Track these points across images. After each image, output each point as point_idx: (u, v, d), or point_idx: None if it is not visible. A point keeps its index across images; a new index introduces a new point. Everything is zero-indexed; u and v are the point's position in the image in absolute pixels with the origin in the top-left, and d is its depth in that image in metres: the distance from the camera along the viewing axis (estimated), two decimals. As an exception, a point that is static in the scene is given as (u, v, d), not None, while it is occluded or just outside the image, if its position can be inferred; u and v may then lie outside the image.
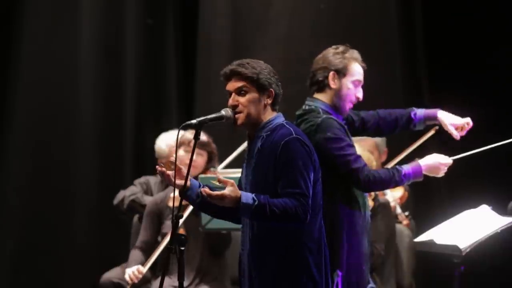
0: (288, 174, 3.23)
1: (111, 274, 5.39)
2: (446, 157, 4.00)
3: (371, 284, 4.07)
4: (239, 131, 3.54)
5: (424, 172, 3.95)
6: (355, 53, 4.03)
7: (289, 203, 3.19)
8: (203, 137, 5.12)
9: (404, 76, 6.65)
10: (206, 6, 6.92)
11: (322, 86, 3.99)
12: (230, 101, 3.33)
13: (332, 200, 3.81)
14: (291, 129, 3.32)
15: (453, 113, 4.17)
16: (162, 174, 3.26)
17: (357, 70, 4.00)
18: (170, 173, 3.26)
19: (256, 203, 3.16)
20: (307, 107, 4.00)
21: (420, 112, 4.17)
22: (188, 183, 3.30)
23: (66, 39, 6.67)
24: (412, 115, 4.16)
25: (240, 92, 3.32)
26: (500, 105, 6.27)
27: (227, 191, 3.13)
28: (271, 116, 3.37)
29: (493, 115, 6.10)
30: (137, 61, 6.86)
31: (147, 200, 5.47)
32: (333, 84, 3.96)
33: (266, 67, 3.36)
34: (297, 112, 4.05)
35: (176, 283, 4.81)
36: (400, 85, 6.61)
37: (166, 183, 3.34)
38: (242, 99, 3.32)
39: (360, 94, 4.02)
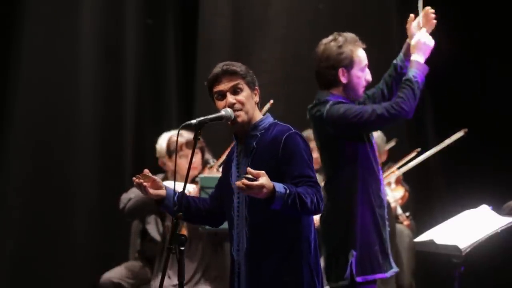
0: (297, 165, 3.22)
1: (111, 274, 5.39)
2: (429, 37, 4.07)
3: (394, 269, 4.04)
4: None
5: (423, 62, 4.03)
6: (352, 38, 4.06)
7: (309, 191, 3.15)
8: (189, 135, 5.01)
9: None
10: (206, 6, 6.93)
11: (333, 83, 4.01)
12: (229, 100, 3.29)
13: (351, 177, 3.91)
14: (288, 125, 3.33)
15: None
16: (139, 185, 3.32)
17: (361, 56, 4.05)
18: (147, 184, 3.32)
19: (287, 191, 3.08)
20: (317, 101, 4.04)
21: (399, 57, 4.20)
22: (163, 192, 3.34)
23: (66, 39, 6.67)
24: (394, 62, 4.20)
25: (235, 90, 3.31)
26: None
27: (264, 180, 3.02)
28: (261, 115, 3.38)
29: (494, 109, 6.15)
30: (137, 61, 6.86)
31: None
32: (343, 79, 4.00)
33: (246, 67, 3.37)
34: (309, 106, 4.08)
35: (176, 283, 4.84)
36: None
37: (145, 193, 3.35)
38: (239, 97, 3.30)
39: (368, 76, 4.07)
